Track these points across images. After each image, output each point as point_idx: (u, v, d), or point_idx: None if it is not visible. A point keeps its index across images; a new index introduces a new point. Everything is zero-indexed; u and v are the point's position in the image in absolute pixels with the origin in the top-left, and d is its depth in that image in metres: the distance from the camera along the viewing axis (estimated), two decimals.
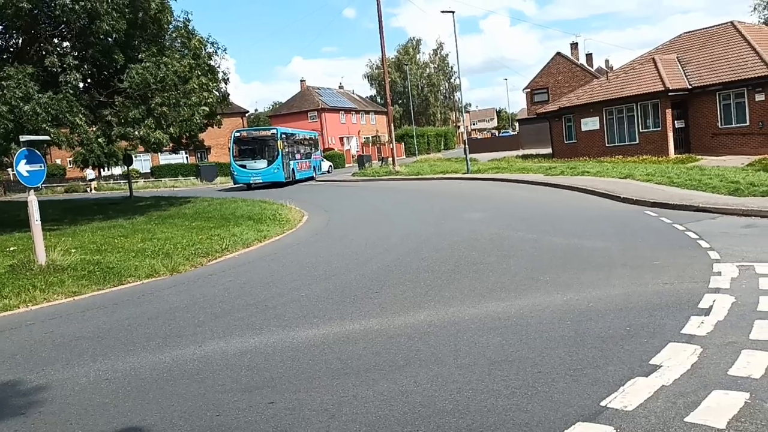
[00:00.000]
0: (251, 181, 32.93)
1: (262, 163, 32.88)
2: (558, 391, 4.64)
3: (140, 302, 9.28)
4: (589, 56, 68.47)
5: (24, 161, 11.16)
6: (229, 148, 34.55)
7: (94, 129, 19.21)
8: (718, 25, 32.25)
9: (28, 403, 5.31)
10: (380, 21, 31.30)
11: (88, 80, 20.57)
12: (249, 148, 33.54)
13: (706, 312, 6.23)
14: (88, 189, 44.21)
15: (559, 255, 10.01)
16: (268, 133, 34.46)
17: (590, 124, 33.14)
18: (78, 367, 6.25)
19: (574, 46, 63.33)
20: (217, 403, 4.97)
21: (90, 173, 44.84)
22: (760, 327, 5.64)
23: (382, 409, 4.59)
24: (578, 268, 8.88)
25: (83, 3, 16.37)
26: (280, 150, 32.95)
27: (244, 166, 33.05)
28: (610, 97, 31.77)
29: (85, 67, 19.02)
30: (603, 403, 4.33)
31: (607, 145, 32.06)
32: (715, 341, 5.40)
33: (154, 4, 18.77)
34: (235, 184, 34.80)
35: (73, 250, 12.85)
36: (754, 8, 63.92)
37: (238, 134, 34.54)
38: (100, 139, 18.88)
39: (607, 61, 76.44)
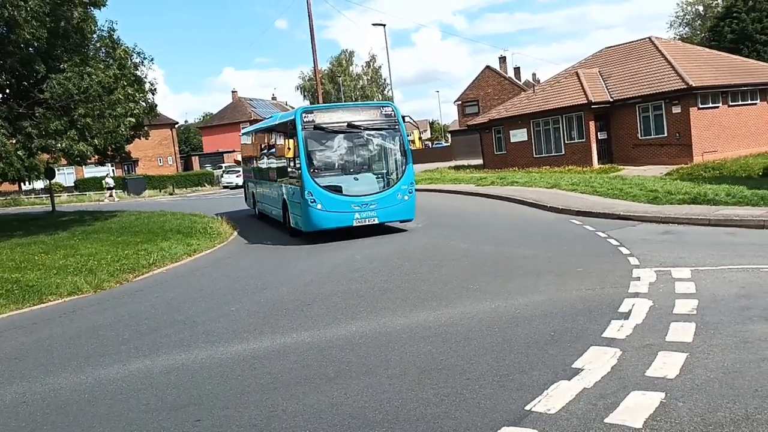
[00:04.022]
0: (355, 222, 14.45)
1: (371, 182, 14.98)
2: (485, 396, 4.73)
3: (61, 321, 8.92)
4: (517, 70, 70.34)
5: None
6: (293, 147, 14.38)
7: (13, 141, 18.38)
8: (637, 40, 33.70)
9: None
10: (312, 32, 31.22)
11: (7, 91, 19.69)
12: (343, 147, 15.01)
13: (626, 316, 6.48)
14: (106, 199, 41.76)
15: (489, 263, 10.21)
16: (379, 112, 15.44)
17: (519, 135, 33.99)
18: None
19: (503, 59, 64.97)
20: (141, 423, 4.83)
21: (109, 181, 42.78)
22: (675, 329, 5.91)
23: (312, 422, 4.56)
24: (507, 276, 9.08)
25: (0, 11, 15.70)
26: (408, 149, 15.42)
27: (338, 190, 14.42)
28: (537, 109, 32.70)
29: (3, 77, 18.23)
30: (528, 407, 4.44)
31: (535, 155, 32.95)
32: (633, 344, 5.62)
33: (77, 13, 18.19)
34: (309, 230, 14.61)
35: None
36: (671, 24, 67.41)
37: (310, 115, 14.84)
38: (19, 152, 18.05)
39: (534, 75, 78.81)
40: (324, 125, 14.63)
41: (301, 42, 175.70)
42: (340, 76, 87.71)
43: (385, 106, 15.65)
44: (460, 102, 62.54)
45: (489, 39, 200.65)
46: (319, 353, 6.23)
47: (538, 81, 60.62)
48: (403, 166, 15.18)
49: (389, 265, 10.76)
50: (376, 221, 14.58)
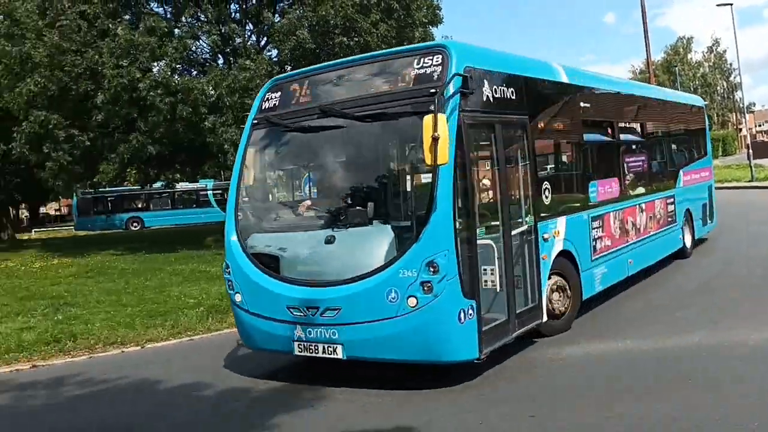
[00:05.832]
0: (296, 348, 5.98)
1: (347, 251, 6.04)
2: None
3: None
4: None
5: None
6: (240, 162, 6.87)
7: None
8: None
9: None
10: (645, 22, 29.41)
11: None
12: (306, 161, 7.56)
13: None
14: None
15: None
16: (411, 70, 5.96)
17: None
18: None
19: None
20: None
21: None
22: None
23: None
24: None
25: (357, 39, 18.11)
26: (452, 159, 5.43)
27: (272, 266, 6.27)
28: None
29: None
30: None
31: None
32: None
33: (418, 33, 20.08)
34: (244, 344, 6.97)
35: None
36: None
37: (274, 95, 6.86)
38: None
39: None
40: (280, 115, 6.84)
41: (628, 36, 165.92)
42: (676, 66, 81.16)
43: (428, 52, 6.09)
44: None
45: None
46: None
47: None
48: (431, 207, 5.55)
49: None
50: (338, 355, 5.85)
